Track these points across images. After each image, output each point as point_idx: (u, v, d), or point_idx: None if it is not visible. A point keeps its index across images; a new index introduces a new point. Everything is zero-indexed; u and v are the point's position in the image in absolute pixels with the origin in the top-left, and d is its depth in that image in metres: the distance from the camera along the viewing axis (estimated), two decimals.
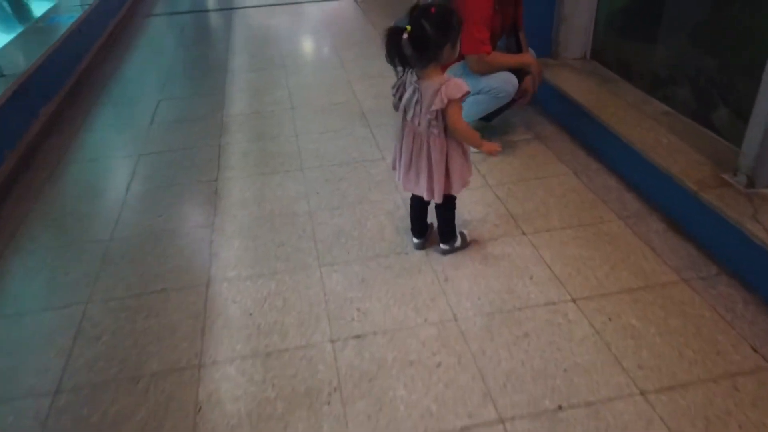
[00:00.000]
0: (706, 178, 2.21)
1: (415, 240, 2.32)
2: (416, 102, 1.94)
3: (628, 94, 2.95)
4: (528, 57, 2.80)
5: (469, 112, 2.76)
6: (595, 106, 2.85)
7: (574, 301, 1.97)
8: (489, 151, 1.99)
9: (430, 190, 2.05)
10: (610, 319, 1.88)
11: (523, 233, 2.33)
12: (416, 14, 1.85)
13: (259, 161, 3.00)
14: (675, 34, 3.19)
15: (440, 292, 2.04)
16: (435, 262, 2.19)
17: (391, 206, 2.55)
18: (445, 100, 1.84)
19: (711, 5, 2.89)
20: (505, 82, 2.69)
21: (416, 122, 1.97)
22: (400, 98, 2.00)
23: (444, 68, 1.95)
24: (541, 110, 3.32)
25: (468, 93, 1.86)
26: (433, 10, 1.89)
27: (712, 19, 2.94)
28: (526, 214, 2.45)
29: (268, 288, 2.10)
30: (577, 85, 3.08)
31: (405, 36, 1.82)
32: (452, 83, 1.85)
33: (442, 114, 1.90)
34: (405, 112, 2.00)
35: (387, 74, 3.73)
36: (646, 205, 2.46)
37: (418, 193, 2.11)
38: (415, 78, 1.93)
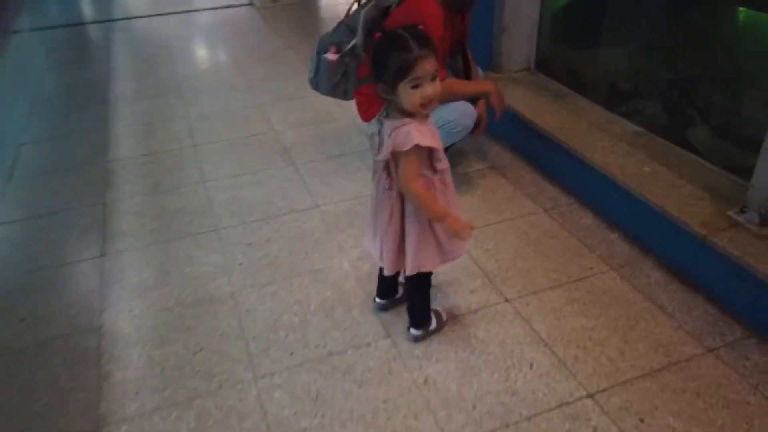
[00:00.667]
0: (710, 218, 1.87)
1: (378, 300, 1.84)
2: (380, 142, 1.47)
3: (588, 112, 2.60)
4: (488, 84, 2.36)
5: None
6: (556, 129, 2.47)
7: (591, 396, 1.55)
8: (456, 231, 1.47)
9: (385, 261, 1.58)
10: (642, 421, 1.48)
11: (506, 299, 1.89)
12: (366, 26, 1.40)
13: (159, 223, 2.36)
14: (632, 37, 2.89)
15: (422, 403, 1.55)
16: (407, 355, 1.70)
17: (338, 275, 2.02)
18: (389, 150, 1.39)
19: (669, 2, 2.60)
20: (462, 115, 2.24)
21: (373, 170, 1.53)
22: None
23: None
24: (492, 134, 2.92)
25: (415, 146, 1.37)
26: (377, 35, 1.41)
27: (675, 18, 2.66)
28: (503, 271, 2.01)
29: (185, 425, 1.51)
30: (530, 103, 2.70)
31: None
32: (403, 131, 1.37)
33: (394, 166, 1.44)
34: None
35: (306, 95, 3.20)
36: (637, 248, 2.10)
37: (379, 262, 1.62)
38: (383, 115, 1.46)
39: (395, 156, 1.41)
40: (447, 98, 2.23)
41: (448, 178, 1.53)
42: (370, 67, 1.40)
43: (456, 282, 1.97)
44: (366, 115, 2.43)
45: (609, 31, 2.99)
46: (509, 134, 2.83)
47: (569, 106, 2.66)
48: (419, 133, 1.36)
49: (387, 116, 1.44)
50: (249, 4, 5.69)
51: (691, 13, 2.74)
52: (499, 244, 2.15)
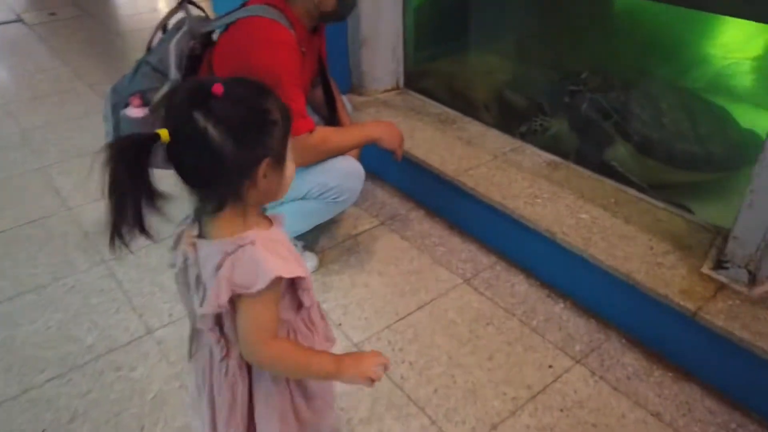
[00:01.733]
0: (688, 282, 1.45)
1: None
2: (197, 283, 0.86)
3: (485, 140, 2.10)
4: (375, 127, 1.70)
5: (292, 228, 1.62)
6: (457, 171, 1.94)
7: None
8: (366, 374, 0.91)
9: None
10: None
11: None
12: (180, 96, 0.78)
13: None
14: (516, 37, 2.48)
15: None
16: None
17: None
18: (224, 297, 0.79)
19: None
20: (346, 176, 1.59)
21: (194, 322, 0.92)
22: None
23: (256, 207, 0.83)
24: (373, 172, 2.32)
25: (275, 280, 0.79)
26: (219, 89, 0.74)
27: (564, 17, 2.28)
28: (441, 400, 1.42)
29: None
30: (415, 135, 2.13)
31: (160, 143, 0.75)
32: (246, 259, 0.79)
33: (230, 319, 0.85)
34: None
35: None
36: (595, 322, 1.64)
37: None
38: (194, 231, 0.86)
39: (233, 302, 0.81)
40: (328, 153, 1.59)
41: (316, 313, 0.95)
42: (237, 146, 0.76)
43: (379, 427, 1.34)
44: None
45: (488, 33, 2.55)
46: (396, 175, 2.25)
47: (461, 134, 2.15)
48: (275, 257, 0.80)
49: (201, 234, 0.83)
50: (18, 21, 4.44)
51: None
52: (424, 350, 1.55)
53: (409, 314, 1.67)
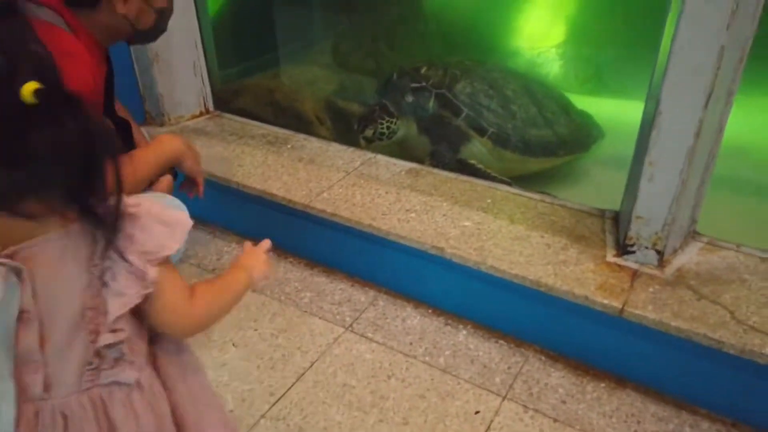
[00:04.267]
0: (600, 276, 1.29)
1: None
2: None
3: (330, 157, 1.79)
4: (170, 140, 1.28)
5: None
6: (305, 197, 1.59)
7: None
8: (265, 273, 0.86)
9: None
10: None
11: None
12: None
13: None
14: (333, 46, 2.22)
15: None
16: None
17: None
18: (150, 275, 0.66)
19: None
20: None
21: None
22: None
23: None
24: (204, 219, 1.84)
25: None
26: None
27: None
28: None
29: None
30: (244, 162, 1.73)
31: None
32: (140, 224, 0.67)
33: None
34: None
35: None
36: (512, 345, 1.39)
37: None
38: None
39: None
40: (135, 188, 1.14)
41: None
42: None
43: None
44: None
45: (299, 41, 2.26)
46: (228, 214, 1.81)
47: (299, 153, 1.80)
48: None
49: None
50: None
51: None
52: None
53: (288, 390, 1.27)
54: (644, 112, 1.31)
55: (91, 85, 1.08)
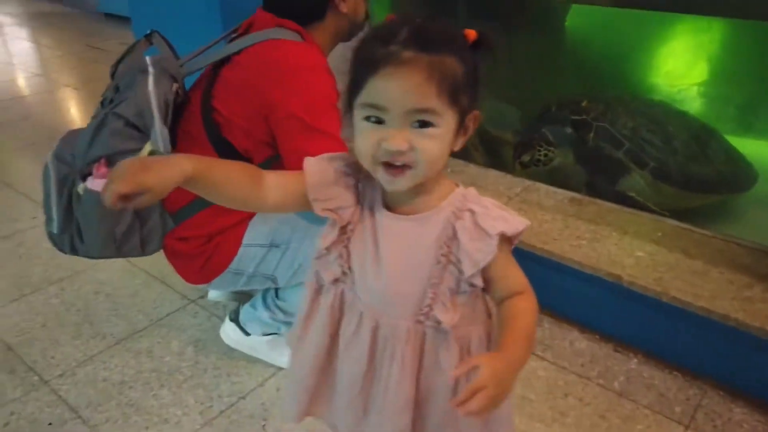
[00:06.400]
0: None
1: None
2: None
3: (495, 183, 1.88)
4: None
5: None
6: None
7: None
8: None
9: None
10: None
11: None
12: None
13: None
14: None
15: None
16: None
17: None
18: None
19: None
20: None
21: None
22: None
23: None
24: None
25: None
26: None
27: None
28: None
29: None
30: None
31: None
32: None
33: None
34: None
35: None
36: (688, 378, 1.41)
37: None
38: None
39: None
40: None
41: None
42: None
43: None
44: (202, 273, 1.27)
45: None
46: None
47: (458, 177, 1.91)
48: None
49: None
50: None
51: None
52: None
53: None
54: None
55: (335, 98, 1.20)
